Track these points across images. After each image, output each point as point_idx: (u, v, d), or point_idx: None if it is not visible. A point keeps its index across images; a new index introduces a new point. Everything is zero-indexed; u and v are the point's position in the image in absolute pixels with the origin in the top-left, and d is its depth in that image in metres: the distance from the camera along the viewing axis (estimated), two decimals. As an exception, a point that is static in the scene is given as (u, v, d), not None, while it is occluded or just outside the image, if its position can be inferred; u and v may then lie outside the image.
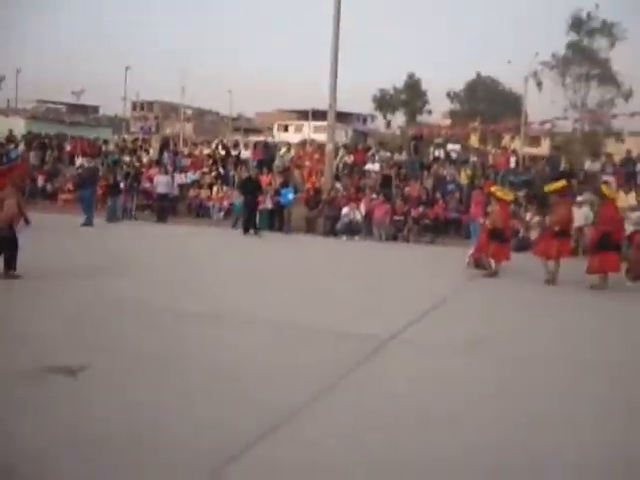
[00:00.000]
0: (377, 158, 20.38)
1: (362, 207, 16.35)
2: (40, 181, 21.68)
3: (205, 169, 20.93)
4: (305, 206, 17.17)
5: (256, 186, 16.15)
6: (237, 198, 17.27)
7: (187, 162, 22.13)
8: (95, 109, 65.01)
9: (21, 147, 25.47)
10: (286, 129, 63.53)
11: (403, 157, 21.21)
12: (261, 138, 38.15)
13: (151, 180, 18.88)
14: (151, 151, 24.98)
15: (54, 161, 23.39)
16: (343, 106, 24.48)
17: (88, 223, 15.77)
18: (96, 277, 8.86)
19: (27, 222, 8.81)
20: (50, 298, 7.60)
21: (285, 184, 17.08)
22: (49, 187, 21.51)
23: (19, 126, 32.21)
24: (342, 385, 4.89)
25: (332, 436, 3.89)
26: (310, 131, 51.00)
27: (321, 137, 37.09)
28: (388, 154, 21.42)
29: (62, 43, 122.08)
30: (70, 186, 20.61)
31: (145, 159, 23.05)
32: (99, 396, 4.43)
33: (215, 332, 6.34)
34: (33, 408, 4.15)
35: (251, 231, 15.40)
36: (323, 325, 6.72)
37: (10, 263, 8.46)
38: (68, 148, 25.82)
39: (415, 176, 18.53)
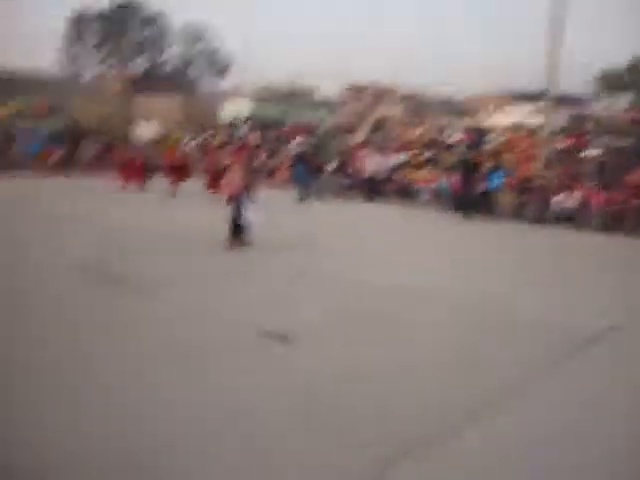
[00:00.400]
0: (597, 143, 19.07)
1: (577, 195, 15.48)
2: (262, 159, 23.45)
3: (415, 151, 21.10)
4: (514, 192, 16.65)
5: (473, 167, 15.86)
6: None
7: (397, 144, 22.49)
8: (312, 91, 68.12)
9: (246, 127, 27.72)
10: (497, 112, 61.37)
11: (628, 142, 19.57)
12: (471, 121, 37.27)
13: (360, 160, 19.56)
14: (363, 132, 25.76)
15: (274, 140, 25.12)
16: (561, 87, 23.08)
17: (303, 198, 16.90)
18: (301, 250, 9.55)
19: (251, 200, 9.68)
20: (265, 266, 8.39)
21: (495, 168, 16.70)
22: (269, 164, 23.16)
23: (245, 108, 34.87)
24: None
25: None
26: (524, 115, 48.81)
27: (535, 120, 35.39)
28: (611, 139, 19.91)
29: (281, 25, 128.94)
30: (287, 163, 22.09)
31: (357, 139, 23.81)
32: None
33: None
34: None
35: (465, 216, 15.31)
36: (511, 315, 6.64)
37: (242, 231, 9.44)
38: (288, 128, 27.58)
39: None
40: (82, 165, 23.09)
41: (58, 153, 22.15)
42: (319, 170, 18.61)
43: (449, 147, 21.22)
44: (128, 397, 3.98)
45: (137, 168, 17.16)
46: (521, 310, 6.77)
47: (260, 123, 27.89)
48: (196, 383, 4.28)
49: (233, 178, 9.41)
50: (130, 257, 8.35)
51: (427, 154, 20.58)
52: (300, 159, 18.23)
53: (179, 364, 4.58)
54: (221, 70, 73.15)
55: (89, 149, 24.13)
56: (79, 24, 68.90)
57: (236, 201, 9.40)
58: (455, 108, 66.33)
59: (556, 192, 15.66)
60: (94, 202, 14.46)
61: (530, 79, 57.88)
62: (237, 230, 9.47)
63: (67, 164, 22.44)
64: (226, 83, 73.66)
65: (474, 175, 15.69)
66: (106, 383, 4.18)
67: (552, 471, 3.42)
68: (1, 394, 3.95)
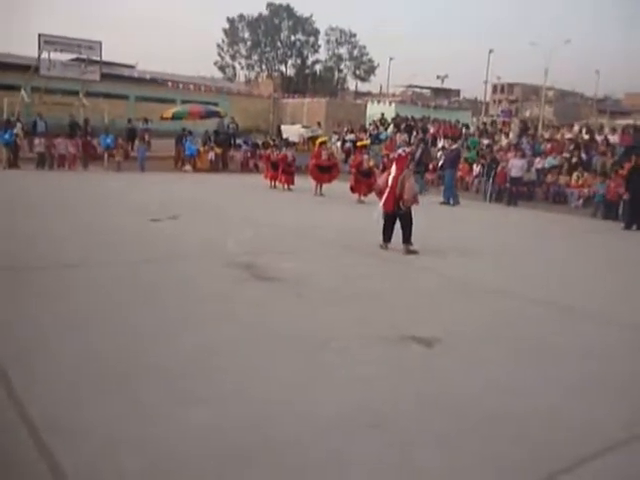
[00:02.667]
0: None
1: None
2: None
3: (566, 154, 20.13)
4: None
5: None
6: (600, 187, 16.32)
7: (547, 146, 21.59)
8: (457, 93, 67.07)
9: (390, 129, 27.84)
10: (661, 111, 56.94)
11: None
12: (630, 121, 34.92)
13: (506, 164, 18.99)
14: (510, 134, 24.97)
15: (418, 142, 24.99)
16: None
17: (447, 202, 16.74)
18: (451, 256, 9.43)
19: (417, 202, 9.56)
20: (434, 272, 8.40)
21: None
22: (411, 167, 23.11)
23: (389, 110, 35.03)
24: None
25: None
26: (691, 114, 44.92)
27: None
28: None
29: (425, 25, 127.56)
30: (431, 166, 21.95)
31: (504, 142, 23.14)
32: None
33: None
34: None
35: (633, 226, 14.11)
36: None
37: (408, 238, 9.35)
38: (431, 130, 27.37)
39: None
40: (234, 164, 24.36)
41: (213, 153, 23.50)
42: (465, 174, 18.36)
43: (605, 150, 20.01)
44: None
45: (285, 168, 17.78)
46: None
47: (404, 124, 27.88)
48: (331, 377, 4.39)
49: (393, 188, 9.24)
50: (270, 252, 8.68)
51: (576, 158, 19.55)
52: (449, 161, 18.04)
53: (309, 356, 4.72)
54: (366, 72, 73.91)
55: (241, 149, 25.37)
56: (233, 29, 72.31)
57: (392, 210, 9.33)
58: (612, 107, 62.46)
59: None
60: (247, 200, 15.22)
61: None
62: (403, 238, 9.35)
63: (221, 163, 23.78)
64: (371, 85, 74.43)
65: None
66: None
67: None
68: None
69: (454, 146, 19.43)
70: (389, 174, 9.51)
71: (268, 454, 3.36)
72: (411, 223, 9.34)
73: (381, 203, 9.46)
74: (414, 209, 9.46)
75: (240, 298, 6.40)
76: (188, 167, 22.80)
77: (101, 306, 5.83)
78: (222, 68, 71.79)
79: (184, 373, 4.35)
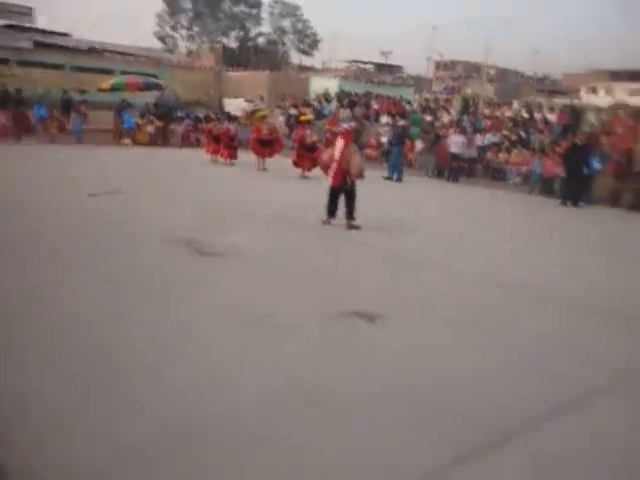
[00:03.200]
0: None
1: (681, 182, 14.63)
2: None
3: (505, 132, 20.52)
4: (612, 177, 15.90)
5: (584, 154, 14.84)
6: (538, 166, 16.75)
7: (487, 123, 21.94)
8: (400, 69, 67.17)
9: (333, 104, 27.74)
10: (595, 91, 58.64)
11: None
12: (567, 101, 35.81)
13: (447, 140, 19.21)
14: (452, 111, 25.25)
15: (361, 118, 25.00)
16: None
17: (391, 177, 16.85)
18: (394, 232, 9.50)
19: (362, 177, 9.57)
20: (376, 248, 8.41)
21: (591, 152, 15.96)
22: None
23: (333, 84, 34.84)
24: None
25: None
26: (624, 94, 46.40)
27: (636, 101, 33.54)
28: None
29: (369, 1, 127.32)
30: (374, 141, 22.05)
31: (446, 119, 23.38)
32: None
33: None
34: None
35: (568, 202, 14.59)
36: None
37: (351, 214, 9.36)
38: (374, 106, 27.39)
39: None
40: (175, 138, 23.82)
41: (153, 126, 22.90)
42: (409, 150, 18.48)
43: (543, 128, 20.48)
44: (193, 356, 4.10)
45: (227, 142, 17.50)
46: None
47: (347, 100, 27.82)
48: (270, 353, 4.37)
49: (340, 163, 9.20)
50: (219, 229, 8.54)
51: (515, 136, 19.95)
52: (397, 139, 18.09)
53: (255, 334, 4.68)
54: (310, 46, 73.26)
55: (182, 122, 24.83)
56: (173, 1, 70.34)
57: (339, 185, 9.30)
58: (550, 87, 63.88)
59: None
60: (188, 174, 14.91)
61: (631, 56, 54.68)
62: (346, 213, 9.39)
63: (162, 137, 23.21)
64: (315, 60, 73.90)
65: (582, 159, 14.69)
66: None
67: None
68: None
69: (402, 122, 19.51)
70: (334, 149, 9.48)
71: (209, 433, 3.31)
72: (354, 199, 9.34)
73: (329, 178, 9.42)
74: (358, 184, 9.46)
75: (180, 274, 6.27)
76: (127, 141, 22.17)
77: (32, 282, 5.61)
78: (162, 39, 69.81)
79: (114, 350, 4.24)
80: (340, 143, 9.39)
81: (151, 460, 3.02)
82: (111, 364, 4.02)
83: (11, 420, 3.27)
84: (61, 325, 4.61)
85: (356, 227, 9.27)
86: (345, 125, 9.76)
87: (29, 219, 8.38)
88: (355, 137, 18.07)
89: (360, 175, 9.37)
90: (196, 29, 71.23)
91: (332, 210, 9.47)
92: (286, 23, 73.15)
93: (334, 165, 9.29)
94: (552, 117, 21.86)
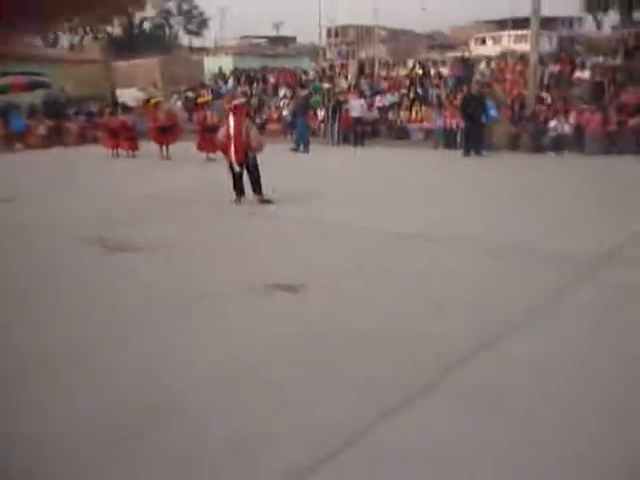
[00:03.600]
0: (587, 65, 18.81)
1: (571, 119, 15.34)
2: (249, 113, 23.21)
3: (404, 90, 20.82)
4: (508, 122, 16.49)
5: (480, 103, 15.20)
6: (437, 118, 17.14)
7: (385, 84, 22.18)
8: (293, 40, 66.89)
9: (230, 82, 27.32)
10: (484, 42, 60.29)
11: (617, 62, 19.30)
12: (458, 54, 36.71)
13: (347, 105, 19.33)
14: (349, 76, 25.36)
15: (260, 93, 24.77)
16: (546, 11, 22.67)
17: (298, 148, 16.84)
18: (309, 202, 9.52)
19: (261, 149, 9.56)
20: (291, 219, 8.38)
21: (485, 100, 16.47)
22: (257, 119, 22.92)
23: (227, 63, 34.29)
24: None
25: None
26: (510, 42, 48.06)
27: (522, 47, 34.77)
28: (600, 59, 19.63)
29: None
30: (275, 115, 21.92)
31: (344, 85, 23.47)
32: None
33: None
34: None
35: (471, 152, 14.95)
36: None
37: (260, 189, 9.33)
38: (272, 80, 27.16)
39: (633, 82, 16.83)
40: (70, 136, 22.82)
41: (45, 126, 21.87)
42: (312, 119, 18.48)
43: (438, 83, 20.92)
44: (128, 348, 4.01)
45: (125, 134, 16.95)
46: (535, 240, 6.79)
47: (244, 76, 27.45)
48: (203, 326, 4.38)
49: (239, 138, 9.18)
50: (132, 222, 8.30)
51: (413, 94, 20.29)
52: (300, 108, 18.01)
53: (189, 312, 4.62)
54: (199, 26, 71.67)
55: (75, 119, 23.83)
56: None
57: (243, 161, 9.26)
58: (441, 42, 65.25)
59: (550, 118, 15.50)
60: (90, 172, 14.34)
61: (514, 4, 56.56)
62: (254, 190, 9.38)
63: (56, 136, 22.19)
64: (205, 40, 72.36)
65: (478, 108, 15.00)
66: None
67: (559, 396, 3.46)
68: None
69: (304, 92, 19.45)
70: (228, 126, 9.39)
71: (151, 408, 3.31)
72: (259, 173, 9.32)
73: (231, 155, 9.31)
74: (267, 158, 9.46)
75: (102, 269, 6.11)
76: (18, 145, 21.08)
77: None
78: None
79: (47, 347, 4.06)
80: (232, 119, 9.36)
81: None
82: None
83: None
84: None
85: (268, 201, 9.25)
86: (235, 101, 9.86)
87: None
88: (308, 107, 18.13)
89: (260, 148, 9.37)
90: (76, 20, 68.15)
91: (240, 188, 9.42)
92: (171, 4, 71.13)
93: (232, 142, 9.23)
94: (445, 71, 22.35)
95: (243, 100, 10.32)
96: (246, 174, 9.36)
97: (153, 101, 17.81)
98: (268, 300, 5.07)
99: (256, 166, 9.32)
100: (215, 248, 7.00)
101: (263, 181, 9.30)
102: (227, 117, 9.73)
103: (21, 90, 23.06)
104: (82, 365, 3.98)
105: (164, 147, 16.27)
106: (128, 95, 26.29)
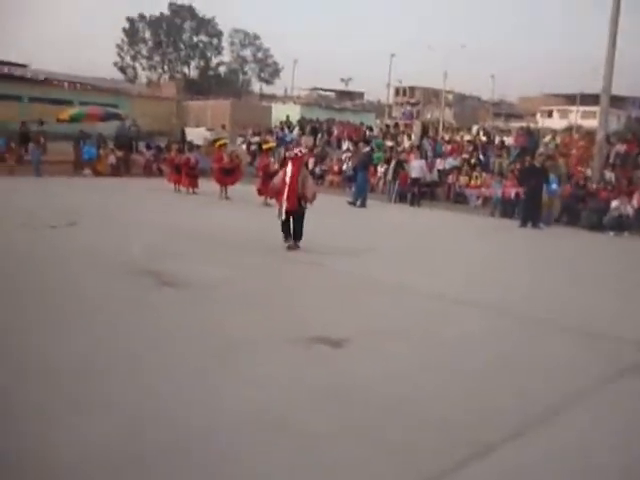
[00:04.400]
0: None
1: (634, 201, 15.06)
2: (310, 164, 23.59)
3: (465, 155, 20.87)
4: (569, 197, 16.28)
5: (542, 175, 15.00)
6: (497, 186, 17.06)
7: (447, 148, 22.30)
8: (361, 95, 68.20)
9: (295, 131, 27.93)
10: (550, 115, 60.33)
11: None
12: (523, 124, 36.70)
13: (408, 165, 19.46)
14: (412, 136, 25.63)
15: (324, 144, 25.22)
16: (617, 89, 22.53)
17: (354, 203, 16.96)
18: (359, 255, 9.54)
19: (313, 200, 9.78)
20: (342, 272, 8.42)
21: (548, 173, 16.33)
22: (318, 169, 23.28)
23: (294, 112, 35.11)
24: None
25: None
26: (577, 117, 47.82)
27: (589, 123, 34.50)
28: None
29: (328, 29, 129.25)
30: (336, 168, 22.22)
31: (406, 144, 23.71)
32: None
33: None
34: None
35: (528, 224, 14.69)
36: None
37: (299, 236, 9.62)
38: (335, 132, 27.67)
39: None
40: (136, 168, 23.62)
41: (114, 156, 22.70)
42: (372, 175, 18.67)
43: (501, 151, 20.91)
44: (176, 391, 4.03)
45: (188, 171, 17.43)
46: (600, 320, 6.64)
47: (309, 127, 28.04)
48: (236, 379, 4.34)
49: (293, 187, 9.41)
50: (181, 259, 8.46)
51: (474, 159, 20.29)
52: (362, 165, 18.23)
53: (224, 358, 4.63)
54: (271, 75, 73.91)
55: (144, 152, 24.67)
56: (133, 29, 70.37)
57: (294, 208, 9.47)
58: (507, 110, 65.40)
59: (613, 197, 15.26)
60: (150, 204, 14.76)
61: (584, 80, 56.40)
62: (294, 236, 9.61)
63: (123, 166, 23.00)
64: (276, 87, 74.49)
65: (540, 180, 14.84)
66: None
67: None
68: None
69: (366, 148, 19.72)
70: (285, 173, 9.64)
71: (171, 455, 3.28)
72: (303, 222, 9.60)
73: (283, 202, 9.53)
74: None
75: (146, 305, 6.19)
76: (87, 171, 21.91)
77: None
78: (122, 69, 69.65)
79: (81, 379, 4.15)
80: (290, 167, 9.60)
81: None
82: (68, 401, 3.91)
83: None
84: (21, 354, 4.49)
85: (298, 247, 9.54)
86: (296, 150, 10.06)
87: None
88: (369, 163, 18.45)
89: (313, 199, 9.59)
90: (156, 59, 71.25)
91: (287, 232, 9.67)
92: (247, 52, 73.77)
93: (286, 189, 9.45)
94: (509, 140, 22.35)
95: (304, 150, 10.58)
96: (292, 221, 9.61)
97: (219, 142, 18.31)
98: (308, 353, 5.05)
99: (303, 214, 9.58)
100: (261, 293, 7.04)
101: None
102: (286, 165, 9.98)
103: (96, 120, 24.13)
104: (115, 392, 4.03)
105: (224, 187, 16.66)
106: (196, 134, 27.14)
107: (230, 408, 3.91)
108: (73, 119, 23.53)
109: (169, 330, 5.43)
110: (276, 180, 9.96)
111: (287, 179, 9.47)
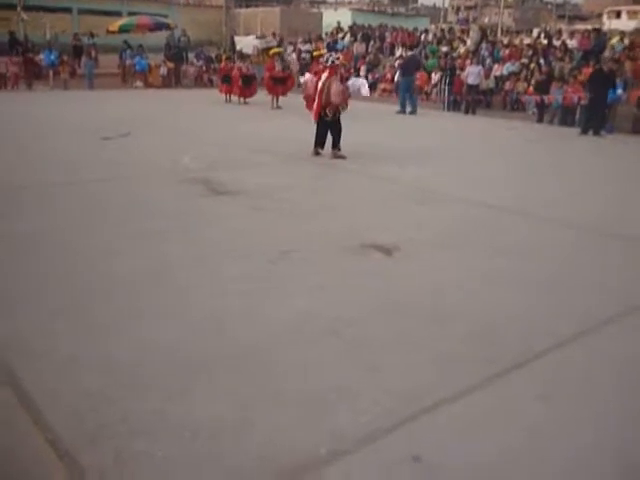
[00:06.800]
0: None
1: None
2: (362, 72, 22.98)
3: (524, 60, 19.90)
4: (634, 104, 15.46)
5: (608, 80, 14.09)
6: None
7: (505, 52, 21.29)
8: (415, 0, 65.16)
9: (347, 38, 27.08)
10: (618, 15, 56.53)
11: None
12: (588, 26, 34.58)
13: (463, 71, 18.72)
14: (468, 41, 24.51)
15: (376, 52, 24.43)
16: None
17: (403, 110, 16.51)
18: (403, 164, 9.40)
19: (346, 106, 9.65)
20: (389, 180, 8.35)
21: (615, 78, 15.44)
22: (370, 77, 22.67)
23: (346, 18, 33.99)
24: None
25: None
26: (648, 17, 44.70)
27: (661, 24, 32.23)
28: None
29: None
30: (389, 75, 21.58)
31: (462, 50, 22.73)
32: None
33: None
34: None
35: (589, 132, 13.97)
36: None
37: (336, 143, 9.56)
38: (388, 39, 26.69)
39: None
40: (187, 79, 23.51)
41: (165, 68, 22.59)
42: (424, 82, 18.07)
43: (564, 55, 19.83)
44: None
45: (241, 81, 17.24)
46: None
47: (361, 33, 27.12)
48: (289, 286, 4.42)
49: (322, 94, 9.32)
50: (233, 168, 8.51)
51: (537, 63, 19.31)
52: (406, 70, 17.60)
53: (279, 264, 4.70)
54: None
55: (194, 62, 24.46)
56: None
57: (331, 114, 9.42)
58: (571, 12, 61.71)
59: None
60: (201, 115, 14.77)
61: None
62: (332, 143, 9.56)
63: (175, 78, 22.92)
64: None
65: (606, 86, 13.92)
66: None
67: None
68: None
69: (410, 53, 19.02)
70: (319, 80, 9.55)
71: (230, 361, 3.36)
72: (340, 130, 9.53)
73: (313, 109, 9.59)
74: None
75: (197, 213, 6.30)
76: (139, 83, 21.95)
77: (53, 226, 5.66)
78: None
79: (139, 288, 4.29)
80: (325, 75, 9.48)
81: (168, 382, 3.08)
82: (128, 309, 4.07)
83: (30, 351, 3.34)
84: (69, 257, 4.67)
85: (341, 157, 9.46)
86: (331, 58, 9.82)
87: (47, 165, 8.40)
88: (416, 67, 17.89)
89: (341, 104, 9.41)
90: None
91: (318, 141, 9.69)
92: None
93: (316, 97, 9.44)
94: (572, 43, 21.13)
95: (339, 57, 10.31)
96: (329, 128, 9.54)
97: (273, 51, 17.95)
98: (361, 261, 5.07)
99: (338, 122, 9.49)
100: (312, 202, 7.04)
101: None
102: (321, 72, 9.82)
103: (145, 30, 23.89)
104: (170, 295, 4.17)
105: (276, 97, 16.47)
106: (246, 42, 26.61)
107: (283, 315, 3.96)
108: (122, 30, 23.36)
109: (222, 238, 5.51)
110: (309, 86, 10.01)
111: (319, 86, 9.42)
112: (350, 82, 18.16)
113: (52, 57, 20.93)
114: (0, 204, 6.37)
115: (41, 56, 21.30)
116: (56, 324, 3.71)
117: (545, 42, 22.04)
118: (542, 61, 19.38)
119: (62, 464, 2.51)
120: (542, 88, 16.58)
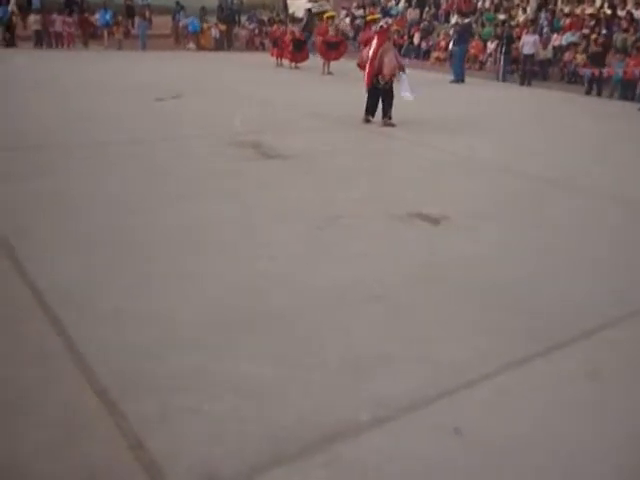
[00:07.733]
0: None
1: None
2: (416, 39, 22.51)
3: (586, 30, 19.16)
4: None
5: None
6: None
7: (565, 22, 20.53)
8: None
9: (401, 4, 26.50)
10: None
11: None
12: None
13: (520, 41, 18.15)
14: (527, 9, 23.71)
15: (430, 18, 23.87)
16: None
17: (458, 80, 16.16)
18: (450, 134, 9.23)
19: (403, 70, 9.46)
20: (438, 149, 8.24)
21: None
22: (424, 45, 22.21)
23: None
24: None
25: None
26: None
27: None
28: None
29: None
30: (443, 43, 21.09)
31: (521, 18, 22.02)
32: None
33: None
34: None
35: None
36: None
37: (387, 112, 9.42)
38: (444, 5, 26.01)
39: None
40: (239, 42, 23.46)
41: (217, 30, 22.56)
42: (479, 51, 17.61)
43: (629, 26, 19.01)
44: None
45: (293, 45, 17.10)
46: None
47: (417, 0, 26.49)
48: (334, 252, 4.42)
49: (374, 62, 9.17)
50: (274, 131, 8.50)
51: (596, 35, 18.57)
52: (460, 38, 17.20)
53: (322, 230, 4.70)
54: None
55: (246, 25, 24.36)
56: None
57: (383, 82, 9.27)
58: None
59: None
60: (250, 78, 14.75)
61: None
62: (383, 111, 9.40)
63: (227, 41, 22.89)
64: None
65: None
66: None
67: None
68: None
69: (465, 20, 18.53)
70: (370, 47, 9.40)
71: (274, 323, 3.40)
72: (392, 98, 9.35)
73: (365, 76, 9.41)
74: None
75: (246, 176, 6.33)
76: (191, 45, 22.02)
77: (104, 183, 5.78)
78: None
79: (185, 247, 4.36)
80: (375, 41, 9.30)
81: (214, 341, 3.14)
82: (175, 266, 4.14)
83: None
84: (124, 216, 4.77)
85: (391, 124, 9.31)
86: (382, 22, 9.66)
87: (101, 124, 8.54)
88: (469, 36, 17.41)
89: (393, 74, 9.24)
90: None
91: (369, 108, 9.53)
92: None
93: (367, 64, 9.28)
94: (639, 14, 20.22)
95: (390, 22, 10.07)
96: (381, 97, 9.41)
97: (327, 14, 17.73)
98: (408, 229, 5.03)
99: (390, 91, 9.33)
100: (360, 168, 7.01)
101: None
102: (373, 38, 9.67)
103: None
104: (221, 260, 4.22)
105: (328, 62, 16.30)
106: (298, 6, 26.33)
107: (327, 281, 3.97)
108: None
109: (271, 202, 5.53)
110: (363, 53, 9.84)
111: (371, 53, 9.24)
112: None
113: (107, 17, 21.12)
114: (60, 161, 6.51)
115: (96, 16, 21.51)
116: (101, 277, 3.81)
117: (609, 12, 21.14)
118: (605, 32, 18.62)
119: (110, 416, 2.59)
120: (597, 60, 15.95)
